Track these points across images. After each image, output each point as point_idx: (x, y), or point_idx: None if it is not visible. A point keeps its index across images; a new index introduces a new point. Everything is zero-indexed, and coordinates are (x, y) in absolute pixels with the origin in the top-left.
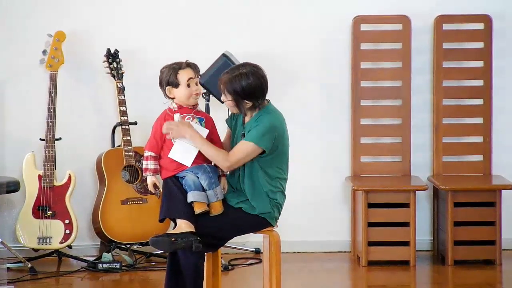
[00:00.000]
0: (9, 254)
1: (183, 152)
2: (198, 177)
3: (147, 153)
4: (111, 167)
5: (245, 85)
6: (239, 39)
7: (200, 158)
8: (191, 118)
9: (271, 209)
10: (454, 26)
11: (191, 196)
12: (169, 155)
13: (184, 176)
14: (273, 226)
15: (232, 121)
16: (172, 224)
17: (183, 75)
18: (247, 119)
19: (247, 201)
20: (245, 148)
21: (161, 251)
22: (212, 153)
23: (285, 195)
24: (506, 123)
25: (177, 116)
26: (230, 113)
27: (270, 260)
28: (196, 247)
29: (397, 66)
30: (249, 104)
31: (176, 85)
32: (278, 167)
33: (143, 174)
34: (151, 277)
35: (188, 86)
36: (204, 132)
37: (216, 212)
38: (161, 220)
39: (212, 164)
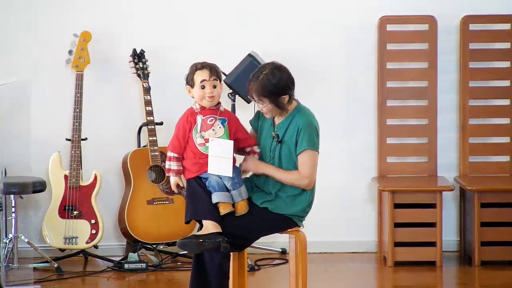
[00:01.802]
0: (35, 254)
1: (220, 166)
2: (221, 178)
3: (169, 154)
4: (137, 167)
5: (276, 81)
6: (264, 39)
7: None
8: (213, 120)
9: (298, 209)
10: (481, 26)
11: (215, 197)
12: (209, 172)
13: (207, 177)
14: (299, 226)
15: (256, 122)
16: (197, 224)
17: (198, 76)
18: (277, 120)
19: (272, 201)
20: (310, 158)
21: (187, 252)
22: (288, 179)
23: (314, 194)
24: None
25: (199, 118)
26: (254, 113)
27: (296, 261)
28: (224, 248)
29: (423, 66)
30: (286, 98)
31: (192, 85)
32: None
33: (166, 174)
34: (177, 277)
35: (202, 87)
36: (229, 144)
37: (241, 211)
38: (187, 222)
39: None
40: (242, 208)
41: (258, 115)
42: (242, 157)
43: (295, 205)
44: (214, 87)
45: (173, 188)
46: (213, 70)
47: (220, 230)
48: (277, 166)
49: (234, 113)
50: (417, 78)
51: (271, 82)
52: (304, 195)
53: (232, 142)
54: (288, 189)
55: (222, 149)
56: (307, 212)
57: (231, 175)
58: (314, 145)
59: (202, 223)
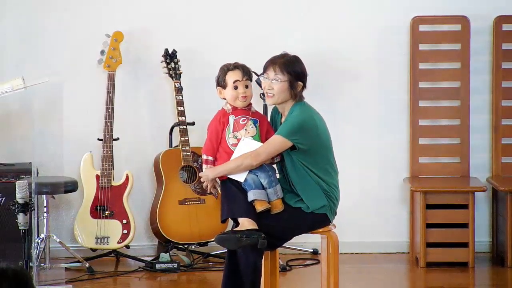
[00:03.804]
0: (67, 253)
1: None
2: (257, 175)
3: (204, 157)
4: (169, 167)
5: (303, 67)
6: (296, 39)
7: None
8: (246, 120)
9: (326, 200)
10: None
11: (251, 195)
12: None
13: None
14: (331, 222)
15: (272, 126)
16: (230, 224)
17: (230, 77)
18: (284, 118)
19: (303, 201)
20: (273, 142)
21: (219, 252)
22: (238, 163)
23: (338, 188)
24: None
25: (231, 119)
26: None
27: (328, 261)
28: (262, 244)
29: (456, 67)
30: (300, 86)
31: (224, 86)
32: (324, 161)
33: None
34: (208, 277)
35: (235, 88)
36: (258, 145)
37: (277, 210)
38: (223, 221)
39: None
40: (277, 206)
41: (272, 120)
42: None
43: (318, 192)
44: (246, 87)
45: (213, 190)
46: (245, 71)
47: (257, 227)
48: (287, 163)
49: (266, 113)
50: (449, 79)
51: (299, 64)
52: (316, 185)
53: (260, 144)
54: (302, 188)
55: (248, 150)
56: (335, 195)
57: (242, 181)
58: (289, 135)
59: (238, 221)
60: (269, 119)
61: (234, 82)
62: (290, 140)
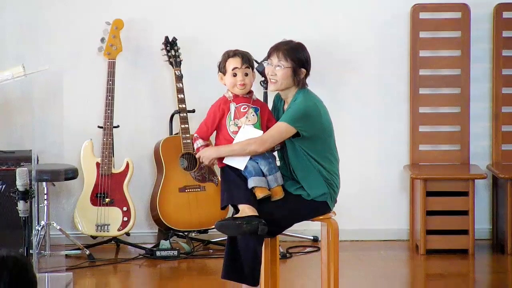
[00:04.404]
0: (67, 241)
1: (236, 157)
2: (258, 163)
3: (195, 135)
4: (169, 154)
5: (307, 54)
6: (297, 28)
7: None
8: (247, 108)
9: (327, 188)
10: None
11: (252, 182)
12: (224, 161)
13: None
14: (332, 210)
15: (274, 113)
16: (230, 211)
17: (230, 64)
18: (286, 106)
19: (303, 188)
20: (278, 128)
21: (219, 239)
22: (243, 147)
23: (339, 176)
24: None
25: (232, 106)
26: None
27: (328, 249)
28: (262, 230)
29: (456, 54)
30: (303, 73)
31: (224, 72)
32: (325, 149)
33: (197, 155)
34: (208, 264)
35: (234, 75)
36: (258, 134)
37: (277, 196)
38: (223, 208)
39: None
40: (278, 193)
41: (274, 108)
42: None
43: (319, 180)
44: (246, 75)
45: (208, 162)
46: (245, 58)
47: (257, 214)
48: (289, 150)
49: (266, 101)
50: (449, 66)
51: (303, 51)
52: (317, 173)
53: (261, 132)
54: (303, 175)
55: (248, 138)
56: (335, 182)
57: (242, 169)
58: (293, 122)
59: (238, 208)
60: (270, 107)
61: (233, 69)
62: (295, 127)
